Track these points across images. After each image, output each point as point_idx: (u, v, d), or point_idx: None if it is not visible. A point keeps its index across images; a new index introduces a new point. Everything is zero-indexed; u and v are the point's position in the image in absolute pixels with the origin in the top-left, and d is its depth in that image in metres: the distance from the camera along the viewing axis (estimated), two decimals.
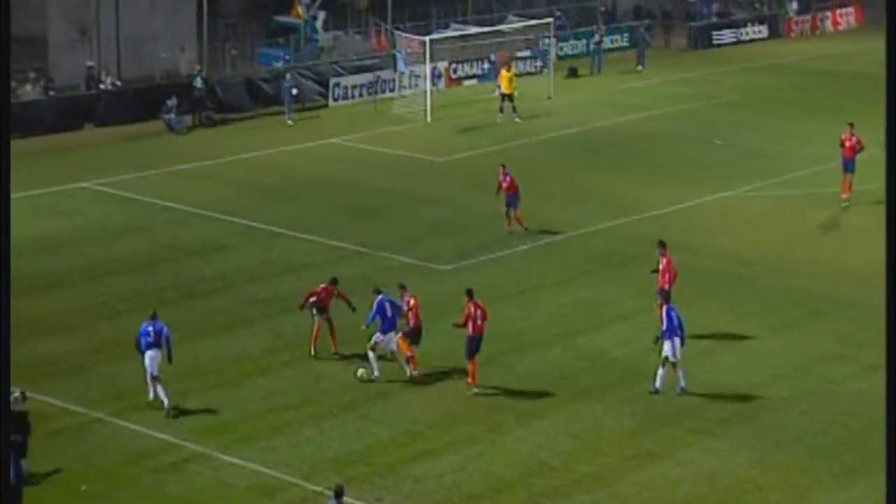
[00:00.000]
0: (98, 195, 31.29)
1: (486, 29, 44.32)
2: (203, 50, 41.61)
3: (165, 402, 19.92)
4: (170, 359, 20.10)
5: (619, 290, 25.46)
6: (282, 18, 45.41)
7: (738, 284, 26.14)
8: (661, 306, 21.67)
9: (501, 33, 44.39)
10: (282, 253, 27.41)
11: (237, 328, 23.25)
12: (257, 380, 21.35)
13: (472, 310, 20.84)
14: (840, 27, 58.04)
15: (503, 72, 39.74)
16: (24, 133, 35.64)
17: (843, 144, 31.14)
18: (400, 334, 21.29)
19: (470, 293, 21.18)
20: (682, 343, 20.77)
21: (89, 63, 38.98)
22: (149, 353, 20.00)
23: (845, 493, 18.18)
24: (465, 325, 20.85)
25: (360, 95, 41.52)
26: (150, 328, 20.10)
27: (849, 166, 30.96)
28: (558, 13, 48.72)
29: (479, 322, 20.76)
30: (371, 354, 21.14)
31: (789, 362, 22.42)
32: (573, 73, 45.92)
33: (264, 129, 38.07)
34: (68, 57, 39.58)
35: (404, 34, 41.33)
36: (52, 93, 37.55)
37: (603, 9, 52.05)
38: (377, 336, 21.14)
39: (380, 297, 21.30)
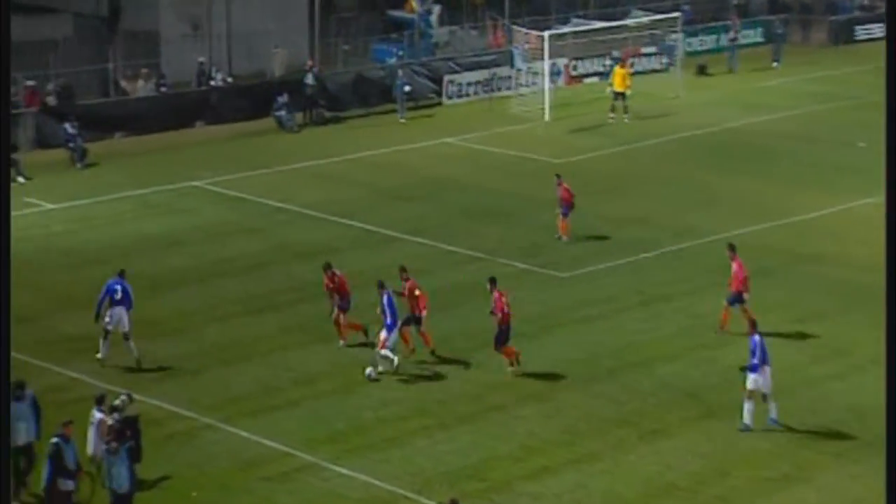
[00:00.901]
0: (209, 194, 32.00)
1: (608, 24, 43.99)
2: (315, 46, 42.25)
3: (136, 353, 21.67)
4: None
5: (752, 301, 24.95)
6: (396, 13, 45.84)
7: (882, 299, 25.38)
8: (727, 308, 22.45)
9: (625, 28, 44.01)
10: (394, 257, 27.54)
11: (351, 332, 23.49)
12: (369, 388, 21.55)
13: (500, 298, 21.59)
14: None
15: (616, 68, 39.49)
16: (136, 130, 36.79)
17: None
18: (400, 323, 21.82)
19: (493, 281, 21.94)
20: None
21: (201, 59, 39.92)
22: (116, 310, 21.43)
23: None
24: (500, 313, 21.52)
25: (476, 93, 41.66)
26: (118, 286, 21.52)
27: None
28: (686, 7, 48.11)
29: (506, 310, 21.57)
30: (383, 352, 21.59)
31: None
32: (702, 70, 45.32)
33: (376, 128, 38.46)
34: (180, 53, 40.60)
35: (522, 29, 41.32)
36: (163, 89, 38.56)
37: (736, 2, 51.22)
38: (384, 333, 21.61)
39: (386, 292, 21.79)
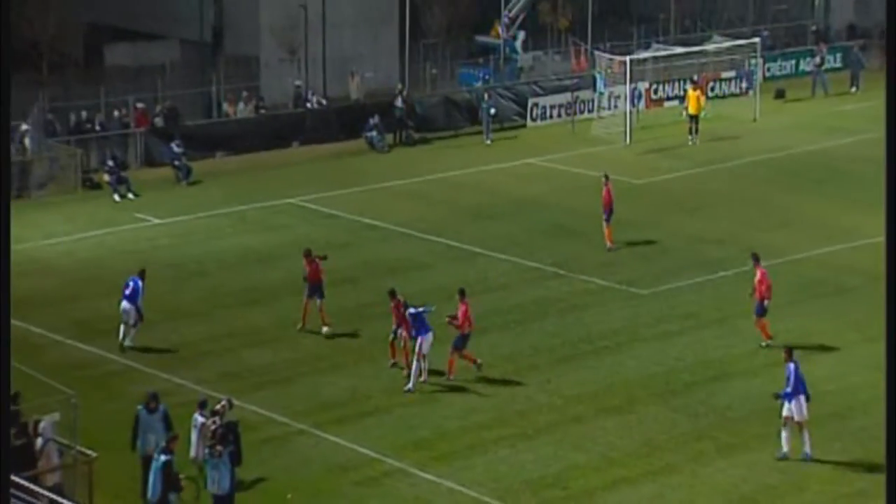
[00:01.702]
0: (304, 211, 32.42)
1: (688, 49, 43.67)
2: (405, 70, 42.61)
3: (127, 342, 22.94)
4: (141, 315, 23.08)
5: (830, 321, 24.63)
6: (482, 39, 46.04)
7: None
8: (758, 321, 22.62)
9: (705, 54, 43.64)
10: (479, 273, 27.71)
11: (433, 346, 23.60)
12: (454, 398, 21.66)
13: (466, 309, 21.98)
14: None
15: (690, 92, 39.21)
16: (236, 150, 37.40)
17: None
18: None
19: (462, 292, 22.32)
20: (808, 400, 19.43)
21: (297, 83, 40.51)
22: (124, 304, 23.07)
23: None
24: (462, 324, 21.75)
25: (559, 116, 41.59)
26: (131, 283, 22.88)
27: None
28: (765, 33, 47.57)
29: (470, 321, 22.04)
30: (418, 364, 21.83)
31: None
32: (780, 94, 44.70)
33: (463, 148, 38.62)
34: (278, 77, 41.26)
35: (605, 55, 41.19)
36: (262, 111, 39.19)
37: (814, 28, 50.45)
38: (419, 344, 21.84)
39: (410, 309, 22.09)
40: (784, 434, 19.38)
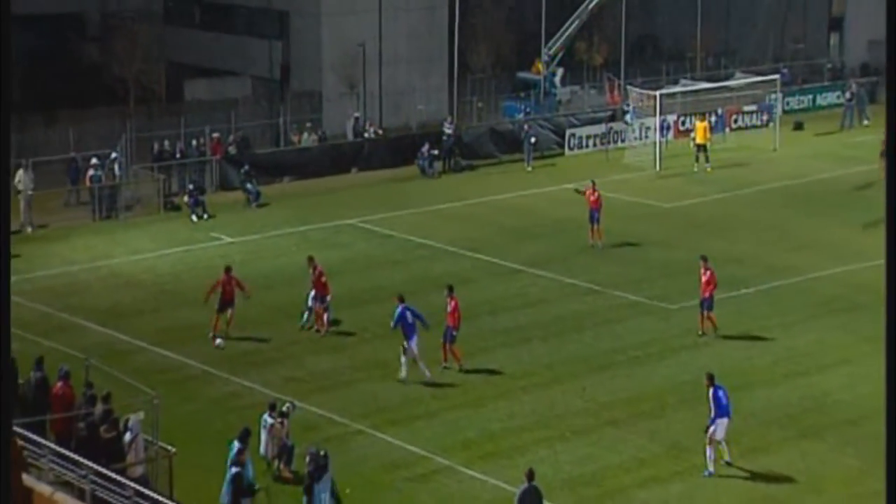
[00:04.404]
0: (361, 231, 32.56)
1: (713, 85, 43.47)
2: (454, 103, 42.74)
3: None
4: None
5: (845, 335, 24.32)
6: (524, 74, 46.08)
7: None
8: (709, 314, 23.49)
9: (729, 88, 43.38)
10: (520, 288, 27.65)
11: (479, 355, 23.59)
12: (498, 402, 21.59)
13: (455, 305, 22.24)
14: None
15: (698, 123, 38.98)
16: (301, 175, 37.69)
17: None
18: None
19: (451, 288, 22.54)
20: (730, 420, 18.68)
21: (356, 114, 40.76)
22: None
23: None
24: (452, 317, 22.01)
25: (594, 145, 41.51)
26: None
27: None
28: (785, 70, 47.17)
29: (455, 314, 22.28)
30: (403, 358, 21.89)
31: None
32: (799, 126, 44.29)
33: (506, 175, 38.62)
34: (339, 109, 41.53)
35: (636, 89, 41.09)
36: (324, 140, 39.47)
37: (829, 66, 50.00)
38: (406, 343, 21.85)
39: (401, 305, 22.01)
40: (710, 453, 18.58)
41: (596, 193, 29.92)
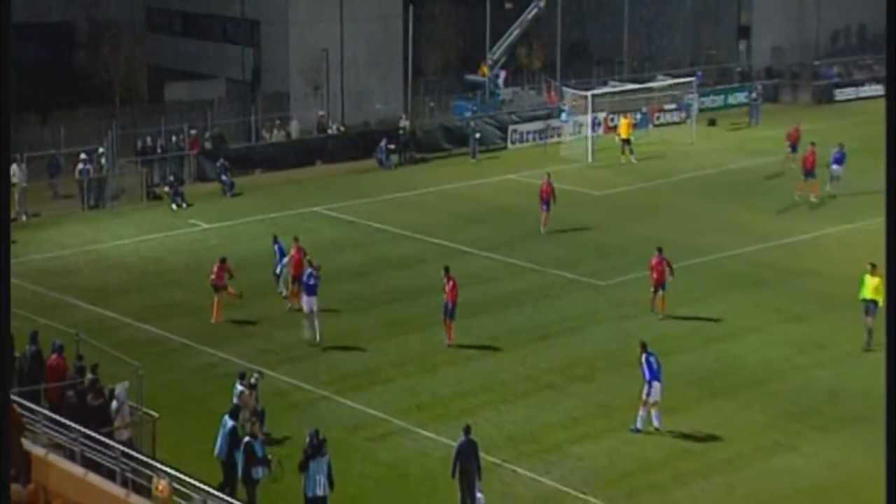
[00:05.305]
0: (326, 218, 32.32)
1: (638, 86, 43.76)
2: (408, 102, 42.58)
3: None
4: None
5: (753, 306, 24.63)
6: (471, 77, 46.06)
7: (854, 304, 24.90)
8: (656, 293, 23.27)
9: (651, 89, 43.71)
10: (469, 268, 27.61)
11: (434, 328, 23.53)
12: (448, 370, 21.59)
13: (451, 283, 22.04)
14: None
15: (622, 119, 39.25)
16: (270, 168, 37.33)
17: None
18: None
19: (447, 269, 22.36)
20: (662, 385, 18.69)
21: (320, 113, 40.44)
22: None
23: None
24: (451, 294, 21.91)
25: (533, 140, 41.57)
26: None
27: None
28: (699, 73, 47.61)
29: (454, 292, 22.06)
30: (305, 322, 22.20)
31: None
32: (712, 123, 44.73)
33: (455, 167, 38.55)
34: (305, 108, 41.18)
35: (570, 90, 41.24)
36: (291, 136, 39.09)
37: (739, 69, 50.54)
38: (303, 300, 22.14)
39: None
40: (641, 413, 18.64)
41: (550, 186, 29.79)
